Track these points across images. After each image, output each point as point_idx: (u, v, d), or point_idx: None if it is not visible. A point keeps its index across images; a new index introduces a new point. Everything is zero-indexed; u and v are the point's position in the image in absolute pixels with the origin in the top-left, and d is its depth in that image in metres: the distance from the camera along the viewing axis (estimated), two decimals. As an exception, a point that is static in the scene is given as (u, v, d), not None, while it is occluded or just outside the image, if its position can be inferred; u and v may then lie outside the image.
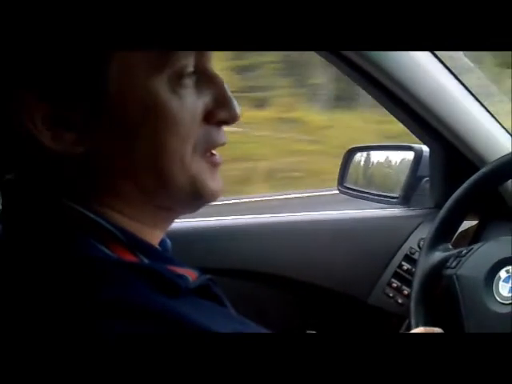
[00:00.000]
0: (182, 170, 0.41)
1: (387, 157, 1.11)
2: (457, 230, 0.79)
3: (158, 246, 0.45)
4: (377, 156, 1.12)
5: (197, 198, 0.43)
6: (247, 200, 2.84)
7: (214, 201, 0.44)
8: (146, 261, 0.41)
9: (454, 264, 0.72)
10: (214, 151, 0.44)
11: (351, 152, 1.12)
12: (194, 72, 0.41)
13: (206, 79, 0.42)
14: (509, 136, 0.91)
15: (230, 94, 0.43)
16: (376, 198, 1.08)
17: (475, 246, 0.73)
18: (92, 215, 0.40)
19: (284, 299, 1.01)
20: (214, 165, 0.44)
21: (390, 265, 1.00)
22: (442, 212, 0.77)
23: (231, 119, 0.43)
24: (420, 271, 0.76)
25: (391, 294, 0.99)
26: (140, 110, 0.39)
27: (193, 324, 0.36)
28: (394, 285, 0.99)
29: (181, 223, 1.01)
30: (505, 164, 0.77)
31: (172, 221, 0.46)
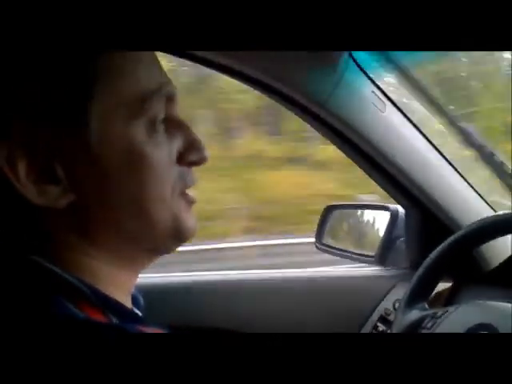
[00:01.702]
0: (164, 210, 0.43)
1: (364, 216, 1.13)
2: (433, 290, 0.79)
3: (128, 305, 0.45)
4: (354, 214, 1.14)
5: (177, 236, 0.45)
6: (219, 247, 2.81)
7: (191, 238, 0.46)
8: (114, 320, 0.40)
9: (429, 325, 0.72)
10: (187, 191, 0.46)
11: (329, 209, 1.13)
12: (165, 118, 0.44)
13: (175, 125, 0.45)
14: (482, 201, 0.94)
15: (198, 137, 0.46)
16: (352, 256, 1.09)
17: (450, 309, 0.73)
18: (62, 273, 0.40)
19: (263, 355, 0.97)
20: (190, 204, 0.46)
21: (366, 325, 0.99)
22: (419, 272, 0.78)
23: (201, 160, 0.46)
24: (396, 330, 0.76)
25: (366, 356, 0.98)
26: (121, 156, 0.41)
27: None
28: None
29: (154, 278, 0.99)
30: (479, 228, 0.78)
31: (150, 263, 0.47)
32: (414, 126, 0.89)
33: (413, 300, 0.77)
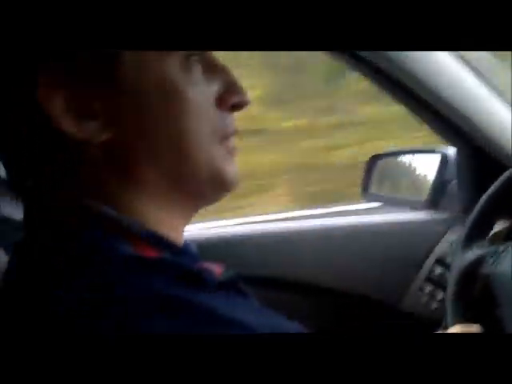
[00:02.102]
0: (202, 153, 0.42)
1: (413, 161, 1.10)
2: (492, 227, 0.77)
3: (180, 243, 0.45)
4: (401, 162, 1.12)
5: (217, 183, 0.43)
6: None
7: (233, 189, 0.44)
8: (168, 256, 0.40)
9: (491, 261, 0.71)
10: (229, 139, 0.44)
11: (374, 159, 1.11)
12: (200, 60, 0.42)
13: (212, 68, 0.43)
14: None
15: (237, 80, 0.44)
16: (403, 202, 1.07)
17: (511, 243, 0.71)
18: (115, 214, 0.40)
19: (314, 307, 0.99)
20: (230, 152, 0.44)
21: (422, 270, 0.98)
22: (474, 212, 0.76)
23: (243, 103, 0.44)
24: (456, 269, 0.75)
25: (424, 300, 0.97)
26: (156, 93, 0.40)
27: (223, 316, 0.35)
28: (427, 290, 0.97)
29: (206, 231, 1.01)
30: None
31: (196, 209, 0.46)
32: (463, 60, 0.85)
33: (471, 239, 0.76)
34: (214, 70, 0.43)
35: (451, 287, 0.75)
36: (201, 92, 0.41)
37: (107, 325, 0.34)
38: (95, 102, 0.39)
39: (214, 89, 0.42)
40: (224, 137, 0.43)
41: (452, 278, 0.76)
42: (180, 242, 0.45)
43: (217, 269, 0.42)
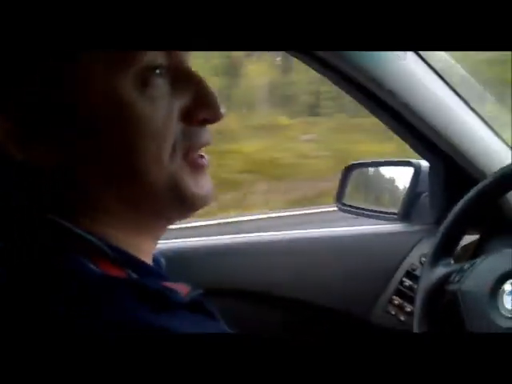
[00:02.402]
0: (160, 172, 0.39)
1: (386, 173, 1.10)
2: (458, 244, 0.77)
3: (148, 262, 0.44)
4: (376, 172, 1.12)
5: (180, 201, 0.41)
6: (247, 219, 2.81)
7: (202, 206, 0.42)
8: (134, 275, 0.40)
9: (456, 279, 0.71)
10: (200, 153, 0.42)
11: (350, 168, 1.11)
12: (168, 71, 0.40)
13: (182, 78, 0.40)
14: (507, 147, 0.90)
15: (211, 92, 0.41)
16: (375, 214, 1.07)
17: (478, 260, 0.71)
18: (78, 230, 0.39)
19: (282, 319, 0.98)
20: (198, 167, 0.42)
21: (391, 282, 0.98)
22: (444, 226, 0.76)
23: (214, 118, 0.41)
24: (422, 287, 0.75)
25: (393, 312, 0.97)
26: (105, 113, 0.38)
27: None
28: (396, 302, 0.97)
29: (176, 242, 0.99)
30: (504, 176, 0.76)
31: (163, 229, 0.45)
32: (436, 73, 0.85)
33: (438, 256, 0.76)
34: (184, 80, 0.40)
35: (419, 302, 0.75)
36: (161, 107, 0.39)
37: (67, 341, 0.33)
38: (40, 126, 0.38)
39: (180, 102, 0.40)
40: (189, 151, 0.41)
41: (420, 293, 0.76)
42: (148, 259, 0.44)
43: (183, 289, 0.41)
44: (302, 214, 2.76)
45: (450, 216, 0.77)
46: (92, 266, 0.37)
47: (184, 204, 0.42)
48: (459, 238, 0.77)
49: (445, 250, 0.75)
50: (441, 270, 0.74)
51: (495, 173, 0.78)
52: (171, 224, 0.45)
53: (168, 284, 0.40)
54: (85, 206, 0.40)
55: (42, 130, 0.38)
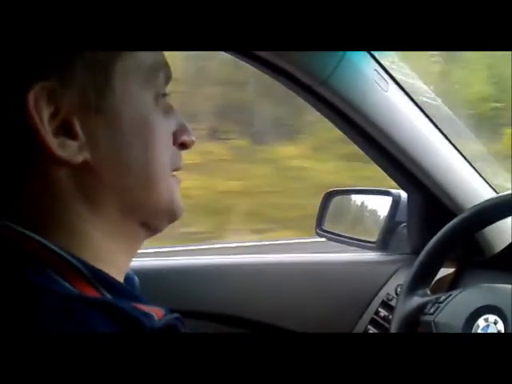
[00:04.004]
0: (163, 183, 0.44)
1: (365, 201, 1.11)
2: (435, 276, 0.77)
3: (122, 282, 0.45)
4: (355, 200, 1.12)
5: (171, 213, 0.46)
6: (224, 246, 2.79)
7: (178, 218, 0.47)
8: (108, 296, 0.39)
9: (432, 310, 0.70)
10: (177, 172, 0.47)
11: (330, 195, 1.11)
12: (163, 99, 0.45)
13: (170, 105, 0.47)
14: (486, 184, 0.92)
15: (185, 122, 0.48)
16: (353, 242, 1.07)
17: (454, 293, 0.71)
18: (53, 246, 0.39)
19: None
20: (178, 184, 0.47)
21: (367, 311, 0.98)
22: (421, 257, 0.76)
23: (190, 142, 0.48)
24: (398, 316, 0.74)
25: (367, 342, 0.96)
26: (135, 122, 0.42)
27: None
28: (371, 331, 0.96)
29: (151, 261, 0.97)
30: (481, 211, 0.77)
31: (142, 241, 0.47)
32: (417, 106, 0.87)
33: (415, 286, 0.76)
34: (171, 110, 0.47)
35: (393, 331, 0.75)
36: (164, 127, 0.45)
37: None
38: (78, 124, 0.40)
39: (171, 126, 0.46)
40: (175, 170, 0.46)
41: (394, 323, 0.75)
42: (121, 277, 0.45)
43: (157, 312, 0.41)
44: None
45: (428, 247, 0.77)
46: (68, 284, 0.37)
47: (172, 216, 0.46)
48: (436, 269, 0.77)
49: (422, 279, 0.75)
50: (417, 300, 0.73)
51: (473, 207, 0.79)
52: (151, 236, 0.47)
53: (142, 307, 0.40)
54: (79, 214, 0.41)
55: (78, 127, 0.40)
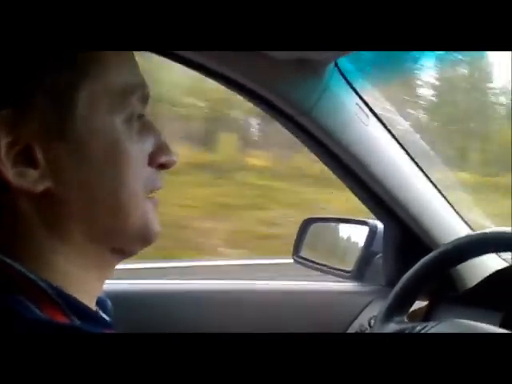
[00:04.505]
0: (136, 209, 0.43)
1: (343, 230, 1.11)
2: (413, 304, 0.77)
3: (94, 307, 0.44)
4: (333, 228, 1.13)
5: (145, 237, 0.44)
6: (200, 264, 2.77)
7: (154, 241, 0.46)
8: (77, 322, 0.39)
9: (406, 342, 0.70)
10: (153, 194, 0.46)
11: (308, 222, 1.11)
12: (138, 120, 0.44)
13: (147, 126, 0.45)
14: (460, 219, 0.94)
15: (165, 140, 0.46)
16: (329, 270, 1.07)
17: (430, 324, 0.71)
18: (26, 273, 0.38)
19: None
20: (155, 206, 0.46)
21: (340, 341, 0.97)
22: (397, 288, 0.76)
23: (171, 163, 0.46)
24: None
25: (339, 373, 0.95)
26: (102, 146, 0.41)
27: None
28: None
29: (124, 285, 0.96)
30: (453, 249, 0.77)
31: (114, 265, 0.46)
32: (396, 140, 0.88)
33: (391, 313, 0.76)
34: (148, 128, 0.45)
35: None
36: (138, 149, 0.43)
37: None
38: (39, 152, 0.39)
39: (147, 147, 0.44)
40: (151, 191, 0.45)
41: None
42: (93, 302, 0.44)
43: None
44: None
45: (403, 279, 0.77)
46: (37, 309, 0.36)
47: (146, 240, 0.45)
48: (414, 298, 0.77)
49: (399, 307, 0.75)
50: (393, 327, 0.73)
51: (450, 243, 0.79)
52: (124, 259, 0.46)
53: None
54: (46, 242, 0.40)
55: (39, 154, 0.39)
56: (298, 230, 1.12)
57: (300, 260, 1.11)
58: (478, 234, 0.78)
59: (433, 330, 0.71)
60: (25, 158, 0.38)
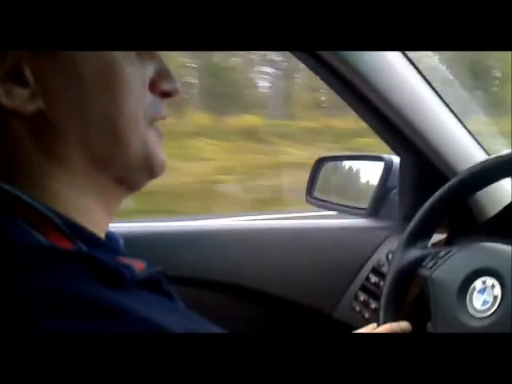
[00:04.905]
0: (136, 135, 0.40)
1: (357, 167, 1.09)
2: (435, 230, 0.76)
3: (101, 236, 0.42)
4: (346, 166, 1.10)
5: (148, 167, 0.42)
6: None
7: (161, 174, 0.43)
8: (84, 248, 0.37)
9: (430, 264, 0.69)
10: (158, 123, 0.44)
11: (320, 161, 1.09)
12: None
13: (147, 52, 0.42)
14: (480, 148, 0.91)
15: (168, 67, 0.43)
16: (344, 209, 1.06)
17: (454, 249, 0.70)
18: (29, 199, 0.36)
19: (246, 311, 0.94)
20: (159, 136, 0.43)
21: (358, 277, 0.96)
22: (421, 211, 0.75)
23: (173, 91, 0.44)
24: (394, 267, 0.72)
25: (358, 308, 0.95)
26: (96, 67, 0.38)
27: (137, 318, 0.32)
28: (361, 298, 0.95)
29: (140, 226, 0.94)
30: (473, 175, 0.75)
31: (121, 198, 0.44)
32: (414, 66, 0.85)
33: (414, 238, 0.74)
34: (148, 53, 0.42)
35: (388, 284, 0.73)
36: (136, 72, 0.40)
37: (11, 319, 0.30)
38: (27, 69, 0.37)
39: (148, 72, 0.42)
40: (154, 120, 0.42)
41: (390, 273, 0.73)
42: (101, 234, 0.42)
43: (138, 265, 0.39)
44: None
45: (426, 204, 0.75)
46: (41, 236, 0.35)
47: (150, 170, 0.42)
48: (436, 224, 0.75)
49: (422, 231, 0.74)
50: (415, 253, 0.72)
51: (469, 169, 0.77)
52: (128, 193, 0.44)
53: (122, 259, 0.38)
54: (45, 166, 0.38)
55: (27, 72, 0.37)
56: (310, 169, 1.09)
57: (313, 201, 1.10)
58: (501, 156, 0.75)
59: (456, 255, 0.69)
60: (14, 76, 0.36)
